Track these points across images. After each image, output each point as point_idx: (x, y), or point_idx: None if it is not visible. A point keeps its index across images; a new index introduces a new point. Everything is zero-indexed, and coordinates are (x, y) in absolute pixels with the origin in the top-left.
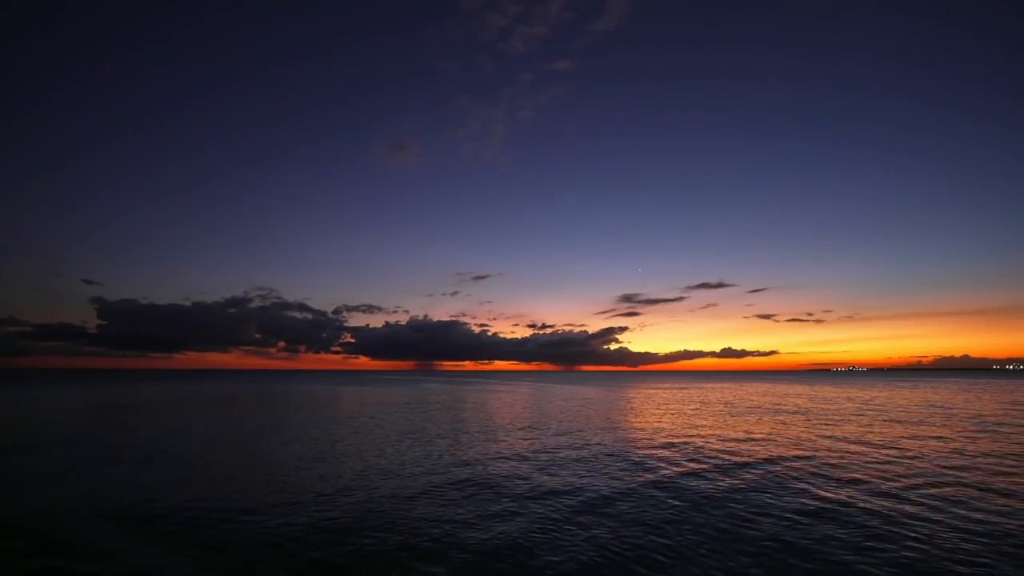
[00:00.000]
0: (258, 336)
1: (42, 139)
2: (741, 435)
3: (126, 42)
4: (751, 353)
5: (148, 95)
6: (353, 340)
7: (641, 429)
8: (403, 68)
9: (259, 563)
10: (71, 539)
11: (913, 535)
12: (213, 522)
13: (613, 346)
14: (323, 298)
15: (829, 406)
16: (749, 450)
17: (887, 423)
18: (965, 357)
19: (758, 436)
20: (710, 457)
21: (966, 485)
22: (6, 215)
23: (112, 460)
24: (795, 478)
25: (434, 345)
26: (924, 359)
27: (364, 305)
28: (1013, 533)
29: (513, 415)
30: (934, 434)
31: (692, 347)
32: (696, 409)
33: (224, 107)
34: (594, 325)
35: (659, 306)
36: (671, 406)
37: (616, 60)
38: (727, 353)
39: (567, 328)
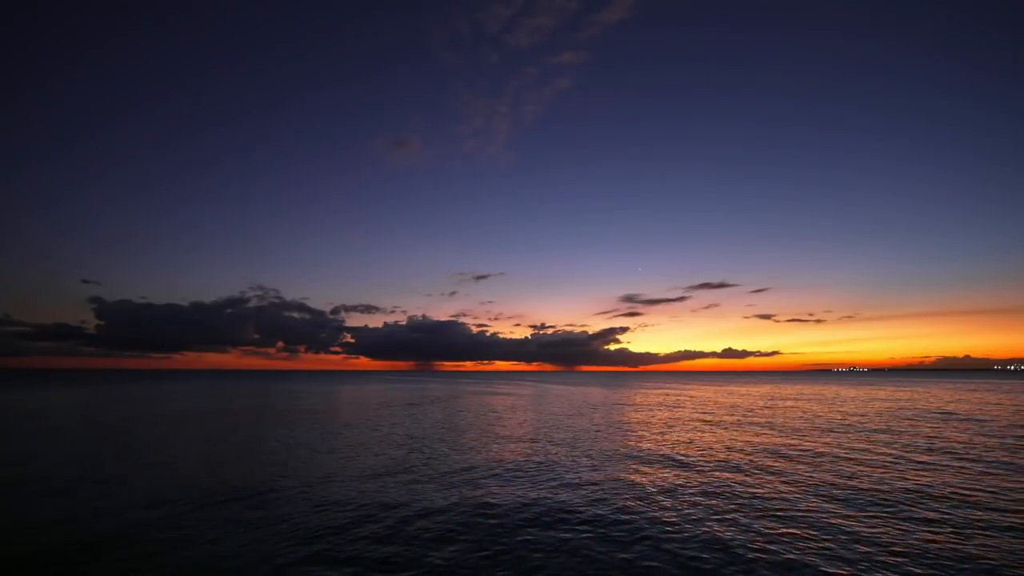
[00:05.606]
0: (257, 336)
1: (42, 140)
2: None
3: (127, 43)
4: (752, 353)
5: (147, 95)
6: (353, 340)
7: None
8: (405, 63)
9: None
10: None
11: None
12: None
13: (613, 346)
14: (321, 298)
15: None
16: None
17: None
18: (967, 357)
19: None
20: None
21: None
22: (4, 215)
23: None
24: (798, 484)
25: (434, 345)
26: (926, 359)
27: (362, 305)
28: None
29: (516, 418)
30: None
31: (693, 347)
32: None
33: (223, 107)
34: (595, 325)
35: (660, 306)
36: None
37: (620, 55)
38: (728, 353)
39: (568, 328)
